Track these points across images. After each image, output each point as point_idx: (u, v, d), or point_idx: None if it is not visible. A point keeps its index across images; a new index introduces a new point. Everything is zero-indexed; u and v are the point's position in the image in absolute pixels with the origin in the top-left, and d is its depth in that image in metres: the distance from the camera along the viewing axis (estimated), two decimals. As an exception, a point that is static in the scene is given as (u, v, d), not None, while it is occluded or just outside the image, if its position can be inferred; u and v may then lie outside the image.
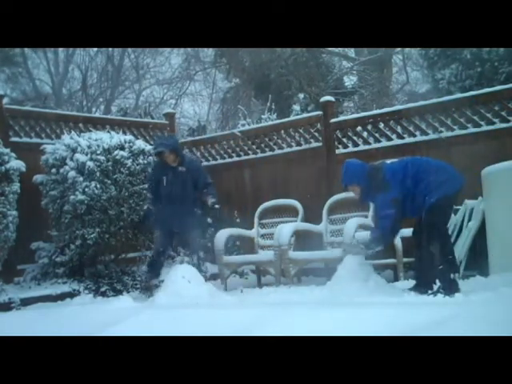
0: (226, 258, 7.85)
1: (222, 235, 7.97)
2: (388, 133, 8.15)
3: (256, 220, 8.70)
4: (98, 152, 7.61)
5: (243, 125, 11.08)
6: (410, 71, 19.33)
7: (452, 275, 5.23)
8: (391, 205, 5.51)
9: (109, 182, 7.57)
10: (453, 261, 5.42)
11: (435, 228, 5.39)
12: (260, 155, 9.44)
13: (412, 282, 6.26)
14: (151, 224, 7.40)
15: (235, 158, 9.77)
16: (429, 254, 5.43)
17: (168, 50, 20.75)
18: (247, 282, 8.36)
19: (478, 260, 6.33)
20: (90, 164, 7.46)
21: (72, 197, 7.37)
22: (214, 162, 10.00)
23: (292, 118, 10.47)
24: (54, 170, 7.63)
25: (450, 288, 5.13)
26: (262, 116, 12.13)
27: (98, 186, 7.45)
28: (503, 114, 7.21)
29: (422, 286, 5.45)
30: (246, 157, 9.61)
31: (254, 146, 9.54)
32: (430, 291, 5.18)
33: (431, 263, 5.56)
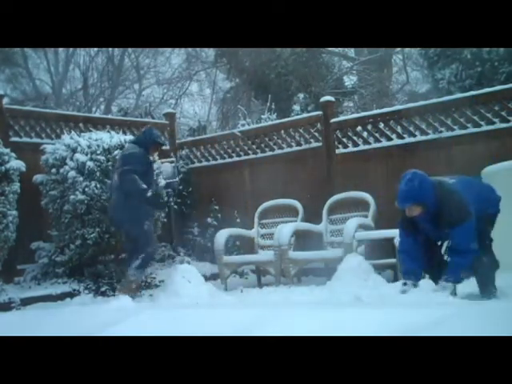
0: (226, 257, 7.86)
1: (222, 235, 7.98)
2: (388, 133, 8.15)
3: (256, 220, 8.70)
4: (98, 152, 7.60)
5: (243, 125, 11.07)
6: (409, 71, 19.34)
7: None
8: (474, 237, 4.92)
9: (109, 181, 7.56)
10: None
11: (488, 239, 5.20)
12: (260, 155, 9.44)
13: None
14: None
15: (235, 158, 9.77)
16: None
17: (168, 49, 20.76)
18: (247, 282, 8.37)
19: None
20: (90, 164, 7.46)
21: (72, 197, 7.36)
22: (214, 162, 10.01)
23: (292, 117, 10.47)
24: (54, 170, 7.63)
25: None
26: (262, 116, 12.12)
27: (98, 185, 7.45)
28: (503, 113, 7.21)
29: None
30: (246, 157, 9.61)
31: (254, 146, 9.54)
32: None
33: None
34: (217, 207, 9.59)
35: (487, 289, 5.08)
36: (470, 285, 5.45)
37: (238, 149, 9.77)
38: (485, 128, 7.32)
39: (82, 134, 8.12)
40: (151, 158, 7.08)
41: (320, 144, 8.76)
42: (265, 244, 8.52)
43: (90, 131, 8.56)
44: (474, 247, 4.89)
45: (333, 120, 8.70)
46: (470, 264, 4.95)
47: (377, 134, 8.25)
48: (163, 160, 8.96)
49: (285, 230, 7.48)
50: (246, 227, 8.63)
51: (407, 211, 5.10)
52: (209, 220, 9.52)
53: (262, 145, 9.44)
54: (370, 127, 8.39)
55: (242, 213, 9.12)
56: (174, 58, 21.55)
